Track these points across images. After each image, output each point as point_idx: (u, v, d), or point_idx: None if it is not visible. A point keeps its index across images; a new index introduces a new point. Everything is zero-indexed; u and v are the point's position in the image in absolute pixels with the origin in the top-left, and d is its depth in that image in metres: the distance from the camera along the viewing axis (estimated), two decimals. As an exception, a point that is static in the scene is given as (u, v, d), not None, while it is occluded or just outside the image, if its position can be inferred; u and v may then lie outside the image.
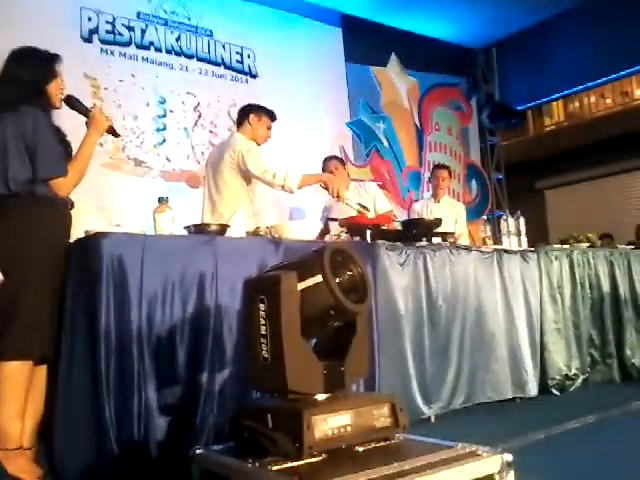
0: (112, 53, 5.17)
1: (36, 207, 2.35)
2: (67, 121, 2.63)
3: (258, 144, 3.79)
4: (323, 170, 4.63)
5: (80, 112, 2.59)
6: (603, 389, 4.00)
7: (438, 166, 5.52)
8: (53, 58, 2.54)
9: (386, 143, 7.01)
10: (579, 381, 3.95)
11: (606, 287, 4.33)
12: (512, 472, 1.51)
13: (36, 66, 2.48)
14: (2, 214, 2.36)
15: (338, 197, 3.67)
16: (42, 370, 2.37)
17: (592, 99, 12.26)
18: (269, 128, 3.88)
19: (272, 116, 3.89)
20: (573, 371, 3.95)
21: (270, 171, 3.54)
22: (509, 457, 1.52)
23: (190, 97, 5.54)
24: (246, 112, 3.86)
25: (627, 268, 4.53)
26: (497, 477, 1.50)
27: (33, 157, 2.32)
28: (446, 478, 1.42)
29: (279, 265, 1.95)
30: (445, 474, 1.42)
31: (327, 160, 4.73)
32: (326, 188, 3.67)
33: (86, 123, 2.56)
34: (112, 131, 2.65)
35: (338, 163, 4.70)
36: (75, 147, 2.55)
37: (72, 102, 2.59)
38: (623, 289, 4.42)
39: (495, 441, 1.66)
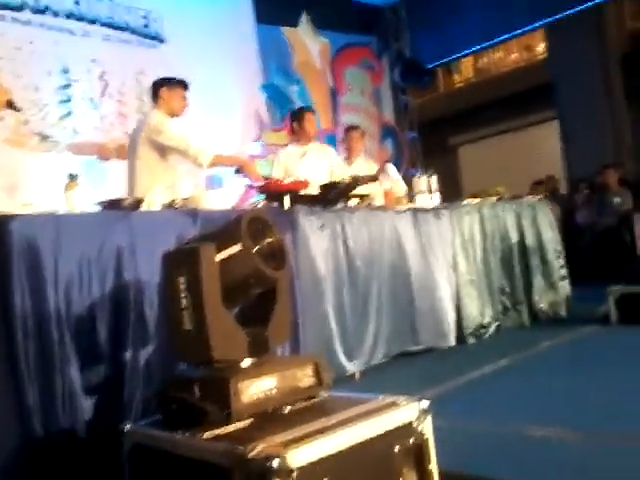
0: (4, 18, 4.85)
1: None
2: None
3: (177, 115, 3.80)
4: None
5: None
6: (515, 334, 4.25)
7: (349, 128, 5.59)
8: None
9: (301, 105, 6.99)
10: (492, 328, 4.18)
11: (514, 238, 4.56)
12: (429, 417, 1.62)
13: None
14: None
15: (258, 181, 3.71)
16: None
17: (499, 55, 12.61)
18: (184, 98, 3.85)
19: (184, 85, 3.86)
20: (487, 319, 4.17)
21: (184, 142, 3.55)
22: (425, 404, 1.62)
23: (95, 65, 5.31)
24: (157, 87, 3.82)
25: (533, 219, 4.78)
26: (415, 423, 1.59)
27: None
28: (368, 429, 1.50)
29: (197, 237, 1.96)
30: (366, 425, 1.50)
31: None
32: (242, 173, 3.67)
33: None
34: (11, 105, 2.53)
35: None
36: None
37: None
38: (530, 238, 4.67)
39: (416, 391, 1.76)
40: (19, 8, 4.94)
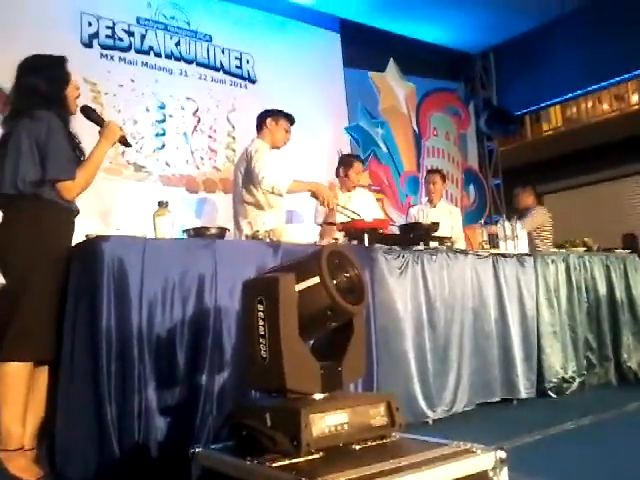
0: (112, 58, 5.21)
1: (42, 210, 2.38)
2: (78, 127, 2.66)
3: (278, 147, 3.94)
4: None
5: (94, 122, 2.62)
6: (600, 392, 4.03)
7: (430, 171, 5.60)
8: (63, 61, 2.57)
9: (384, 148, 7.04)
10: (576, 384, 3.98)
11: (602, 290, 4.36)
12: (505, 469, 1.54)
13: (50, 73, 2.51)
14: (8, 215, 2.41)
15: (329, 206, 3.73)
16: (43, 371, 2.41)
17: (589, 104, 12.29)
18: (287, 131, 3.98)
19: (290, 119, 3.98)
20: (570, 374, 3.97)
21: (263, 172, 3.62)
22: (503, 454, 1.54)
23: (189, 102, 5.58)
24: (263, 117, 3.95)
25: (623, 272, 4.57)
26: (491, 473, 1.52)
27: (44, 158, 2.35)
28: (441, 474, 1.44)
29: (277, 267, 1.98)
30: (439, 470, 1.44)
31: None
32: (316, 197, 3.72)
33: (99, 132, 2.59)
34: (124, 141, 2.67)
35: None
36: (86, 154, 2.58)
37: (87, 112, 2.63)
38: (619, 293, 4.46)
39: (491, 441, 1.67)
40: (126, 49, 5.30)
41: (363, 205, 4.51)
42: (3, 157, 2.38)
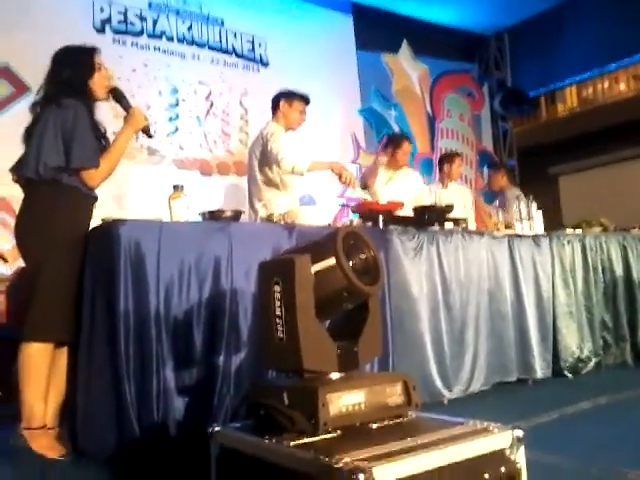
0: (124, 43, 5.22)
1: (59, 195, 2.41)
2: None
3: (293, 129, 3.89)
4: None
5: (122, 106, 2.63)
6: (616, 372, 4.01)
7: (453, 154, 5.52)
8: (91, 52, 2.58)
9: (397, 130, 7.00)
10: (592, 364, 3.97)
11: (619, 271, 4.33)
12: (522, 447, 1.54)
13: (76, 64, 2.52)
14: (28, 198, 2.44)
15: (350, 184, 3.72)
16: (63, 352, 2.45)
17: (606, 85, 12.11)
18: (302, 112, 3.91)
19: (304, 99, 3.91)
20: (586, 354, 3.97)
21: (282, 152, 3.61)
22: (520, 432, 1.54)
23: (202, 86, 5.58)
24: (277, 100, 3.90)
25: (640, 253, 4.53)
26: (508, 452, 1.52)
27: (69, 146, 2.37)
28: (458, 453, 1.44)
29: (293, 248, 1.99)
30: (457, 449, 1.45)
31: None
32: (338, 175, 3.71)
33: (125, 118, 2.60)
34: (147, 131, 2.67)
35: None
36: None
37: (117, 95, 2.62)
38: (636, 273, 4.42)
39: (508, 420, 1.68)
40: (138, 34, 5.30)
41: (407, 186, 4.50)
42: (29, 142, 2.42)
